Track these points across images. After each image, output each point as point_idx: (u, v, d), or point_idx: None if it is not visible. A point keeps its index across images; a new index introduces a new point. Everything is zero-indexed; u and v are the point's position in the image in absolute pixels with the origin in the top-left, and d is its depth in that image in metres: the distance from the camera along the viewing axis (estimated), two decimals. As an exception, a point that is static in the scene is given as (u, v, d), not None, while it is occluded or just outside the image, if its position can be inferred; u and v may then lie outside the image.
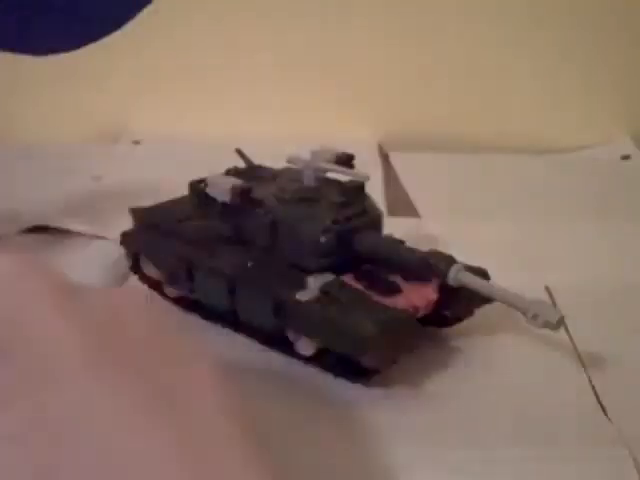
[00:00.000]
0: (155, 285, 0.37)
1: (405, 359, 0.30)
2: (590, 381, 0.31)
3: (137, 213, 0.37)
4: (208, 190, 0.34)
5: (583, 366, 0.32)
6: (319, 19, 0.60)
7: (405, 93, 0.63)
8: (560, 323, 0.29)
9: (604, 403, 0.30)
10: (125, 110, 0.65)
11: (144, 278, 0.38)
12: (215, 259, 0.34)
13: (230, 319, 0.34)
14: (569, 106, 0.63)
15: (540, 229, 0.45)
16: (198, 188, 0.35)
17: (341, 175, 0.34)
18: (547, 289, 0.38)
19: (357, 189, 0.34)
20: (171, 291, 0.37)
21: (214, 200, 0.34)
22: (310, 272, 0.32)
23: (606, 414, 0.29)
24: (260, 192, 0.34)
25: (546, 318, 0.29)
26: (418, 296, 0.31)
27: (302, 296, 0.31)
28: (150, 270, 0.37)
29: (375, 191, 0.38)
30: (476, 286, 0.30)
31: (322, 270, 0.32)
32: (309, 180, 0.35)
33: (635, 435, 0.28)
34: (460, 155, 0.58)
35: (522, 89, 0.63)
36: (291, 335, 0.32)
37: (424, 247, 0.32)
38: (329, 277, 0.32)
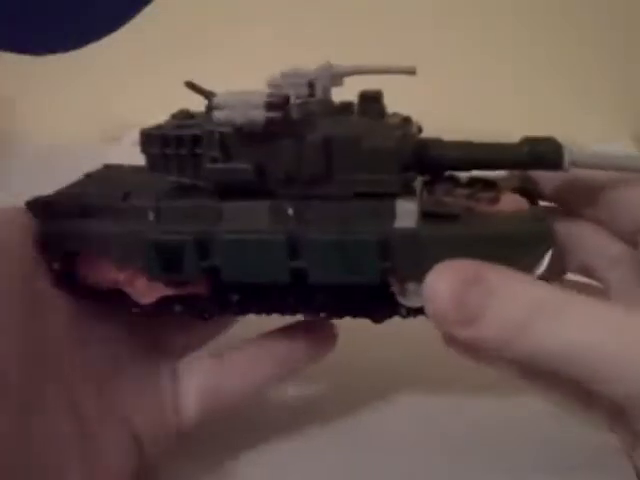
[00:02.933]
0: (109, 296, 0.28)
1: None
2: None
3: (43, 205, 0.27)
4: (219, 116, 0.24)
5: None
6: (318, 17, 0.60)
7: (405, 93, 0.63)
8: None
9: None
10: (126, 110, 0.65)
11: (83, 291, 0.28)
12: (229, 220, 0.26)
13: (279, 299, 0.27)
14: (569, 106, 0.63)
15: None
16: (164, 134, 0.26)
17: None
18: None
19: (375, 99, 0.27)
20: (150, 290, 0.27)
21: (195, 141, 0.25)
22: (390, 196, 0.25)
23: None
24: None
25: None
26: (515, 204, 0.26)
27: (403, 223, 0.25)
28: (101, 274, 0.27)
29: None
30: (598, 164, 0.26)
31: (403, 190, 0.25)
32: (320, 91, 0.27)
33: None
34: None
35: (522, 89, 0.63)
36: (398, 285, 0.26)
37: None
38: (411, 196, 0.25)
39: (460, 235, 0.24)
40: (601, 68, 0.62)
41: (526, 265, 0.24)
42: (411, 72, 0.28)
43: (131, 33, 0.56)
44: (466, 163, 0.27)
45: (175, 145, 0.26)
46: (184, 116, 0.27)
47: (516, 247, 0.24)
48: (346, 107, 0.27)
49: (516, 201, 0.26)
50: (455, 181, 0.27)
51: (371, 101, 0.26)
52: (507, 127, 0.63)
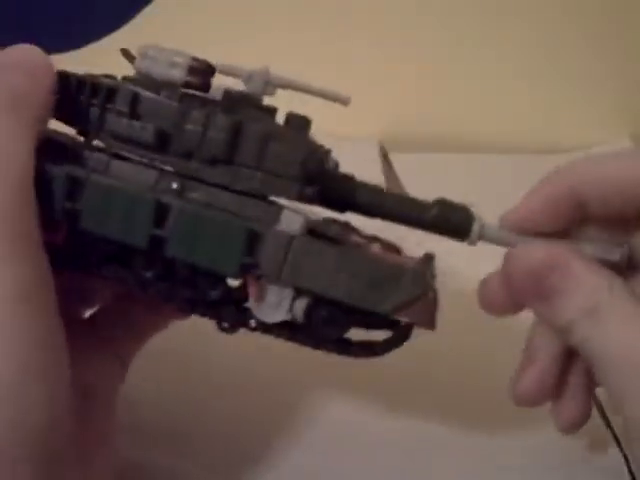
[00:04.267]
0: None
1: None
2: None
3: None
4: (141, 65, 0.24)
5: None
6: (319, 17, 0.60)
7: (406, 93, 0.63)
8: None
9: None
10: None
11: None
12: (114, 176, 0.25)
13: (136, 270, 0.26)
14: (569, 106, 0.63)
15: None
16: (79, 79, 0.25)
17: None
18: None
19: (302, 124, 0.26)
20: None
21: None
22: (280, 206, 0.25)
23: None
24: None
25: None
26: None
27: (283, 227, 0.24)
28: None
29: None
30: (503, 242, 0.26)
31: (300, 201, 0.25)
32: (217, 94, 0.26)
33: None
34: (460, 155, 0.58)
35: (522, 89, 0.63)
36: (256, 291, 0.25)
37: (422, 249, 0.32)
38: (304, 215, 0.25)
39: (334, 253, 0.24)
40: (601, 68, 0.62)
41: (394, 303, 0.24)
42: (345, 103, 0.27)
43: (131, 33, 0.56)
44: (370, 208, 0.26)
45: (89, 92, 0.25)
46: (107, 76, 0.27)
47: (388, 281, 0.24)
48: (271, 111, 0.26)
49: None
50: (353, 229, 0.27)
51: (297, 124, 0.26)
52: (507, 127, 0.64)
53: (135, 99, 0.25)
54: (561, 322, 0.24)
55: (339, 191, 0.26)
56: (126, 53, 0.27)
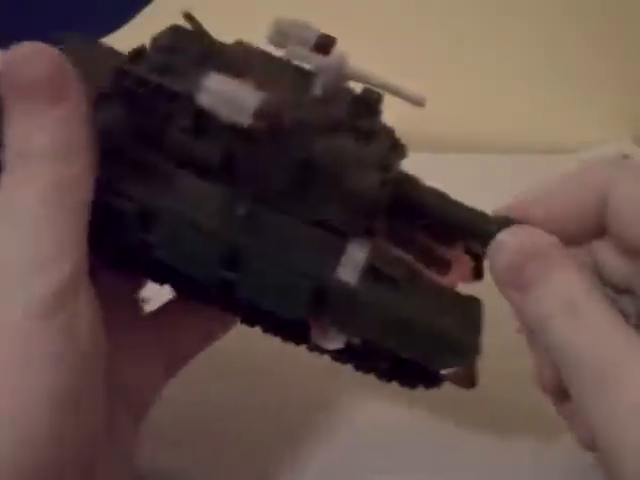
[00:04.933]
0: None
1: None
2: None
3: None
4: (202, 100, 0.22)
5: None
6: (319, 17, 0.60)
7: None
8: None
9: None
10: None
11: None
12: (187, 197, 0.23)
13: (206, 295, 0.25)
14: (569, 106, 0.63)
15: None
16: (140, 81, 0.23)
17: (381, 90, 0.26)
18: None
19: (371, 108, 0.25)
20: None
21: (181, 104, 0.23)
22: (345, 234, 0.24)
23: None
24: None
25: None
26: (464, 269, 0.27)
27: (345, 274, 0.23)
28: None
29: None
30: None
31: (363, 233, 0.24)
32: (318, 88, 0.24)
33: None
34: (460, 155, 0.58)
35: (522, 89, 0.63)
36: (318, 327, 0.25)
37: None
38: (366, 242, 0.24)
39: (392, 310, 0.24)
40: (601, 68, 0.62)
41: (445, 367, 0.24)
42: (420, 104, 0.27)
43: (131, 33, 0.56)
44: (438, 220, 0.26)
45: (151, 92, 0.23)
46: (169, 48, 0.25)
47: (442, 346, 0.24)
48: (337, 124, 0.24)
49: (466, 266, 0.26)
50: (415, 227, 0.26)
51: (366, 110, 0.25)
52: (507, 127, 0.63)
53: (199, 116, 0.23)
54: (538, 315, 0.23)
55: (408, 205, 0.26)
56: (189, 17, 0.26)
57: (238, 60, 0.25)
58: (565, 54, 0.62)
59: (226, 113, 0.21)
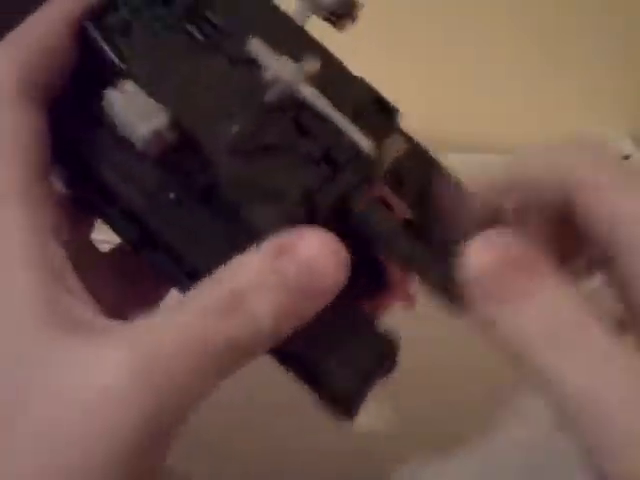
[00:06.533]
0: None
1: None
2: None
3: None
4: (115, 119, 0.20)
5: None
6: (316, 19, 0.60)
7: (405, 93, 0.63)
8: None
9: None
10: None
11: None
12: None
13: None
14: (568, 106, 0.63)
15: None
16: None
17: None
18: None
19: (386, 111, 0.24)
20: None
21: None
22: None
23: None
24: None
25: None
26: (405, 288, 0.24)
27: None
28: None
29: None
30: None
31: None
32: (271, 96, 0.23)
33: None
34: (460, 155, 0.58)
35: (522, 89, 0.63)
36: None
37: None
38: None
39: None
40: (601, 68, 0.62)
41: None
42: (368, 150, 0.24)
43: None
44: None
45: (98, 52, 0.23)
46: None
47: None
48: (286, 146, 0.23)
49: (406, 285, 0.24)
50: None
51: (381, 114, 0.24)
52: (506, 127, 0.63)
53: None
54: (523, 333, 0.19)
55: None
56: None
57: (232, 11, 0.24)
58: (565, 54, 0.62)
59: (121, 130, 0.20)
